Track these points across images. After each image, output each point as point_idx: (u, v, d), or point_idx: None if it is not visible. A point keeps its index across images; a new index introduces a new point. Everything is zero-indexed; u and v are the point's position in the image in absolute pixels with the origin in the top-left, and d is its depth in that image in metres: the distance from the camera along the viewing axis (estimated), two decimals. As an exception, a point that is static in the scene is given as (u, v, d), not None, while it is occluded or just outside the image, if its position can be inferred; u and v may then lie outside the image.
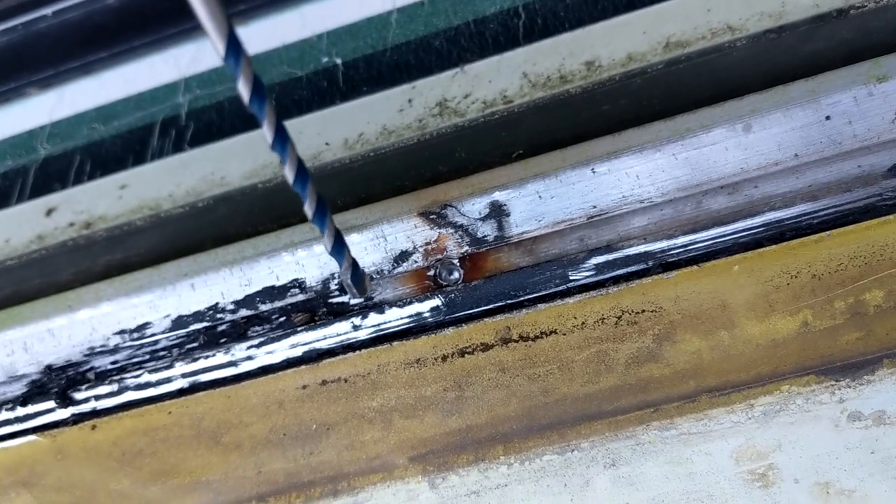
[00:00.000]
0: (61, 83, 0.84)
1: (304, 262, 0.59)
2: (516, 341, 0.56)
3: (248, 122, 0.72)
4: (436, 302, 0.57)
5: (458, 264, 0.58)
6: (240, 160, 0.69)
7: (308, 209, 0.46)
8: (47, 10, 0.86)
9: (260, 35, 0.78)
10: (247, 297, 0.60)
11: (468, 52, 0.68)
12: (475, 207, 0.56)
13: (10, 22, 0.87)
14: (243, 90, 0.42)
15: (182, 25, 0.81)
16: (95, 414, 0.63)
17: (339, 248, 0.49)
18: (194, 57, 0.79)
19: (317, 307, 0.60)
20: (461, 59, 0.67)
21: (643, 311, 0.54)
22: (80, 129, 0.79)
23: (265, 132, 0.43)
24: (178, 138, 0.74)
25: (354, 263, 0.51)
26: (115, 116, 0.78)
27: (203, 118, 0.74)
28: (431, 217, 0.57)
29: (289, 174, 0.45)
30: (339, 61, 0.72)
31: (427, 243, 0.57)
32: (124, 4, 0.84)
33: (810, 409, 0.51)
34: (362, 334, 0.59)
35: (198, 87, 0.76)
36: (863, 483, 0.50)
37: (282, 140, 0.44)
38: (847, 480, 0.50)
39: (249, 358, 0.60)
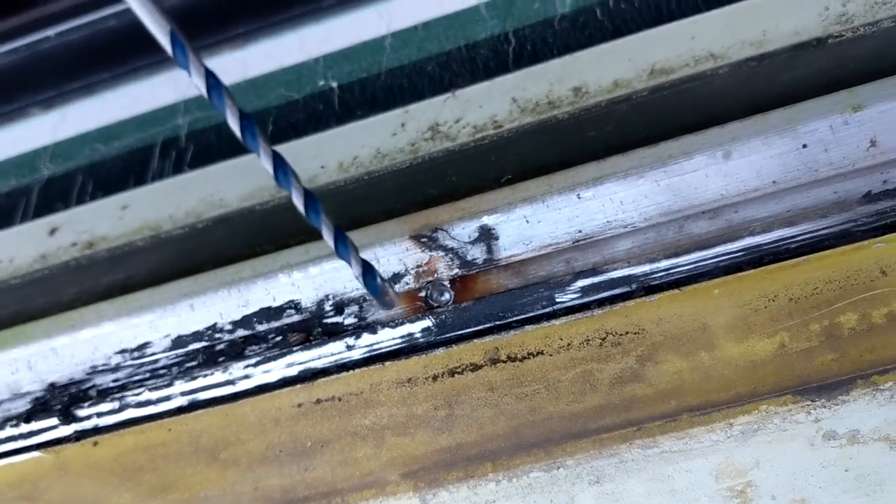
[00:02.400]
0: (64, 103, 0.85)
1: (299, 283, 0.61)
2: (504, 362, 0.58)
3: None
4: (427, 323, 0.59)
5: (448, 286, 0.59)
6: (238, 182, 0.71)
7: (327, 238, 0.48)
8: (50, 32, 0.88)
9: (258, 58, 0.79)
10: (244, 317, 0.62)
11: (459, 78, 0.69)
12: (465, 231, 0.58)
13: (14, 43, 0.89)
14: (233, 124, 0.43)
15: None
16: (97, 431, 0.64)
17: (344, 250, 0.49)
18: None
19: (312, 327, 0.62)
20: (453, 84, 0.69)
21: (627, 332, 0.56)
22: (83, 150, 0.81)
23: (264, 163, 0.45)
24: (178, 160, 0.76)
25: (367, 271, 0.51)
26: (117, 137, 0.80)
27: (202, 140, 0.76)
28: (423, 240, 0.59)
29: (297, 202, 0.46)
30: (334, 85, 0.74)
31: (418, 266, 0.59)
32: (126, 26, 0.86)
33: (787, 429, 0.52)
34: (356, 354, 0.61)
35: (197, 109, 0.78)
36: (837, 500, 0.51)
37: (284, 170, 0.45)
38: (822, 497, 0.52)
39: (247, 377, 0.62)
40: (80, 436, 0.65)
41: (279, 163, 0.46)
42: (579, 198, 0.56)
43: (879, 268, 0.52)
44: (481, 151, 0.64)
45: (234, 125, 0.43)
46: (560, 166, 0.59)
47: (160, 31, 0.41)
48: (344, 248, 0.48)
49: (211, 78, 0.42)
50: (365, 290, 0.51)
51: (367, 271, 0.50)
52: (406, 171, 0.66)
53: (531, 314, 0.58)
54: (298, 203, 0.46)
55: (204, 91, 0.42)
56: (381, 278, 0.52)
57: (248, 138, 0.44)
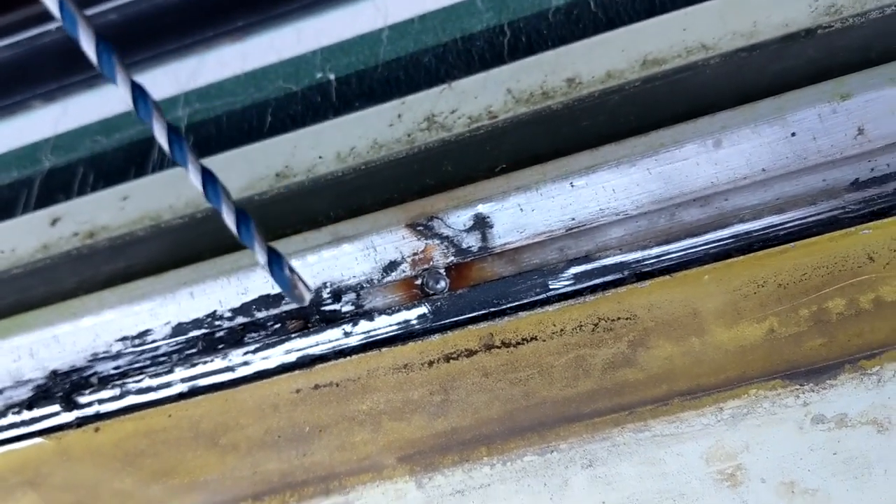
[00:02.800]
0: (65, 96, 0.86)
1: (298, 271, 0.62)
2: (499, 347, 0.58)
3: (244, 136, 0.75)
4: (423, 310, 0.60)
5: (444, 273, 0.60)
6: (236, 173, 0.72)
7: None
8: (51, 25, 0.89)
9: (257, 51, 0.80)
10: (243, 304, 0.63)
11: (455, 69, 0.70)
12: (460, 219, 0.59)
13: (16, 36, 0.90)
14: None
15: (183, 41, 0.83)
16: (99, 417, 0.65)
17: (248, 235, 0.43)
18: (194, 71, 0.82)
19: (310, 314, 0.63)
20: (448, 75, 0.70)
21: (619, 318, 0.57)
22: (84, 142, 0.82)
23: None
24: (178, 151, 0.76)
25: (274, 260, 0.45)
26: (118, 129, 0.81)
27: (202, 131, 0.77)
28: (419, 228, 0.60)
29: (195, 180, 0.42)
30: (332, 77, 0.75)
31: (414, 253, 0.60)
32: (126, 19, 0.87)
33: (776, 412, 0.53)
34: (353, 340, 0.61)
35: (197, 101, 0.79)
36: (825, 482, 0.52)
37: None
38: (811, 480, 0.53)
39: (246, 363, 0.63)
40: (81, 422, 0.66)
41: (174, 137, 0.41)
42: (572, 186, 0.57)
43: (867, 254, 0.53)
44: (476, 141, 0.65)
45: (126, 93, 0.40)
46: (554, 155, 0.60)
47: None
48: (247, 233, 0.43)
49: (101, 44, 0.40)
50: (273, 282, 0.46)
51: (274, 260, 0.44)
52: (403, 161, 0.67)
53: (525, 301, 0.59)
54: (196, 180, 0.42)
55: (94, 57, 0.39)
56: (291, 269, 0.46)
57: (141, 107, 0.40)
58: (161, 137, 0.41)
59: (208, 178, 0.42)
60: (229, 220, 0.43)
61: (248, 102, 0.77)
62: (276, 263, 0.44)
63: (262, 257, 0.43)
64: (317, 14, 0.79)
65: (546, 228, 0.58)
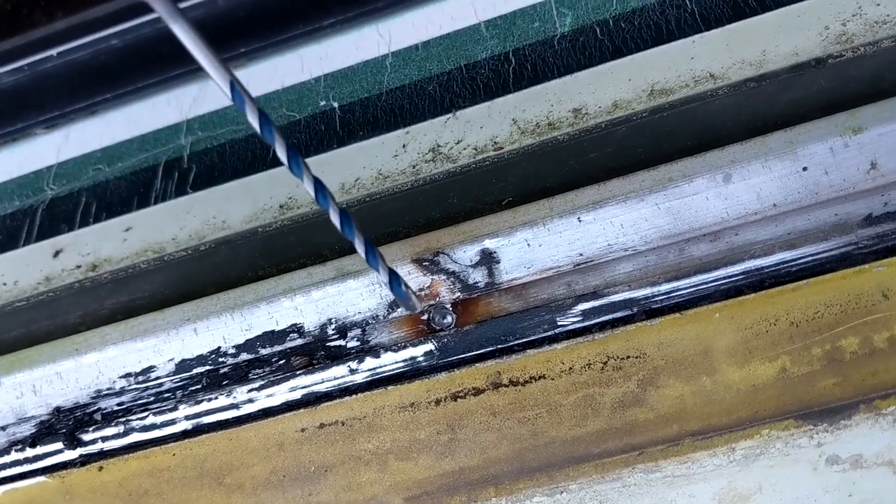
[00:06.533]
0: (67, 123, 0.86)
1: (302, 307, 0.61)
2: (507, 386, 0.58)
3: (247, 166, 0.74)
4: (429, 346, 0.59)
5: (450, 309, 0.60)
6: (241, 204, 0.71)
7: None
8: (53, 51, 0.88)
9: (260, 77, 0.80)
10: (247, 341, 0.62)
11: (460, 98, 0.70)
12: (466, 255, 0.58)
13: (17, 63, 0.89)
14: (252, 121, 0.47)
15: (185, 67, 0.83)
16: (102, 455, 0.65)
17: (374, 259, 0.53)
18: (196, 98, 0.81)
19: (315, 351, 0.62)
20: (453, 104, 0.69)
21: (628, 356, 0.56)
22: (86, 171, 0.81)
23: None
24: (181, 181, 0.76)
25: (393, 278, 0.54)
26: (120, 158, 0.81)
27: (205, 161, 0.76)
28: (424, 264, 0.59)
29: (334, 219, 0.50)
30: (335, 105, 0.74)
31: (421, 289, 0.59)
32: (128, 45, 0.86)
33: (789, 453, 0.52)
34: (358, 378, 0.61)
35: (200, 129, 0.79)
36: (840, 525, 0.51)
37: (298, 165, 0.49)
38: (825, 522, 0.52)
39: (250, 401, 0.62)
40: (85, 460, 0.65)
41: (319, 187, 0.50)
42: (580, 221, 0.56)
43: (881, 291, 0.52)
44: (482, 173, 0.64)
45: (282, 155, 0.48)
46: (561, 188, 0.59)
47: (222, 81, 0.46)
48: (373, 258, 0.52)
49: (263, 118, 0.47)
50: (391, 295, 0.56)
51: (393, 278, 0.54)
52: (407, 193, 0.66)
53: (533, 338, 0.58)
54: (335, 219, 0.50)
55: (227, 92, 0.46)
56: (406, 285, 0.55)
57: (294, 167, 0.49)
58: (282, 154, 0.48)
59: (345, 217, 0.50)
60: (360, 248, 0.51)
61: (251, 131, 0.76)
62: (396, 281, 0.54)
63: (384, 276, 0.53)
64: (320, 41, 0.78)
65: (553, 264, 0.57)
